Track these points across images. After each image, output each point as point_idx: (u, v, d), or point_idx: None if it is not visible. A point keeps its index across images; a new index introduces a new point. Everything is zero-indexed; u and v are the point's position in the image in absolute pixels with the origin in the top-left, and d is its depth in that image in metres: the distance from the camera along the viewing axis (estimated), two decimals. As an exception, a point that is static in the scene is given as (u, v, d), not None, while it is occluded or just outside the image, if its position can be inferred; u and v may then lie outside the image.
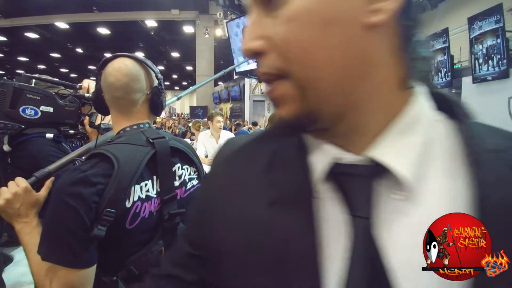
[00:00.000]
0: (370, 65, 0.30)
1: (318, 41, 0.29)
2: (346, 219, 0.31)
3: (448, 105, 0.35)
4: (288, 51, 0.30)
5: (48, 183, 0.87)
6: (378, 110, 0.32)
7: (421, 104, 0.33)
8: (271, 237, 0.33)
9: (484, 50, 5.06)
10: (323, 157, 0.33)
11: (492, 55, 4.93)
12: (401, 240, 0.30)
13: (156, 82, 0.88)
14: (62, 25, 11.84)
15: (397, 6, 0.29)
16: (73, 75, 23.39)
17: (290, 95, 0.31)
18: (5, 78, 1.06)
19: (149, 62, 0.87)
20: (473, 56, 5.30)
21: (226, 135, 3.69)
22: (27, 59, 17.48)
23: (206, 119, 4.50)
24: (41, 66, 19.75)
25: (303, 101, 0.31)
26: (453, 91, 6.87)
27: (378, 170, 0.31)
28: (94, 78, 0.94)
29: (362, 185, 0.31)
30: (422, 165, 0.31)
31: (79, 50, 15.54)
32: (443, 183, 0.30)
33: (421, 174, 0.31)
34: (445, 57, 6.20)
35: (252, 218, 0.35)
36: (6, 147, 1.15)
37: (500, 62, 4.83)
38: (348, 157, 0.32)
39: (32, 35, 12.78)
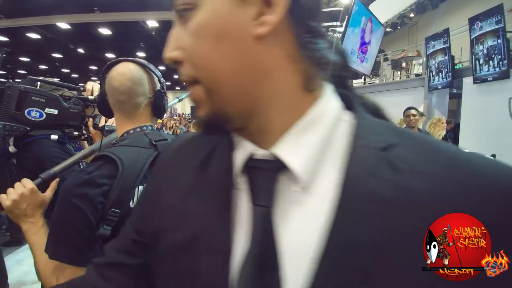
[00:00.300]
0: (266, 71, 0.33)
1: (215, 51, 0.33)
2: (251, 208, 0.35)
3: (351, 105, 0.37)
4: (195, 61, 0.34)
5: (54, 184, 0.88)
6: (281, 111, 0.35)
7: (326, 104, 0.36)
8: (197, 225, 0.37)
9: (485, 51, 5.06)
10: (242, 152, 0.37)
11: (493, 56, 4.93)
12: (293, 227, 0.33)
13: (158, 86, 0.90)
14: (63, 25, 11.84)
15: (279, 18, 0.32)
16: (74, 75, 23.41)
17: (202, 99, 0.35)
18: (10, 80, 1.08)
19: (151, 66, 0.88)
20: (473, 56, 5.30)
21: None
22: (28, 60, 17.50)
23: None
24: (42, 67, 19.74)
25: (212, 103, 0.35)
26: (454, 91, 6.88)
27: (281, 165, 0.34)
28: (96, 79, 0.95)
29: (267, 177, 0.35)
30: (318, 161, 0.34)
31: (80, 50, 15.53)
32: (332, 176, 0.33)
33: (316, 169, 0.34)
34: (446, 57, 6.19)
35: (184, 208, 0.39)
36: (11, 149, 1.17)
37: (500, 62, 4.82)
38: (260, 153, 0.35)
39: (33, 36, 12.77)
